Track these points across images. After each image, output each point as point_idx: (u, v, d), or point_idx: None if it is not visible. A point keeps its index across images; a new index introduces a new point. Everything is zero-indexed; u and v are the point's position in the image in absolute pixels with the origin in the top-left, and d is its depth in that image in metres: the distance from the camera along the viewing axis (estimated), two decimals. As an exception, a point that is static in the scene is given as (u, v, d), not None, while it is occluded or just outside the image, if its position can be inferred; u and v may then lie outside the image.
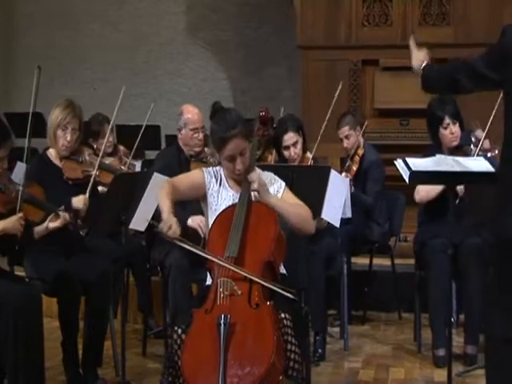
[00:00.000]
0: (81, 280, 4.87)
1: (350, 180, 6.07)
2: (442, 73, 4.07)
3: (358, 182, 6.22)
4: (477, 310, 5.47)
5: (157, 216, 4.24)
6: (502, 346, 3.63)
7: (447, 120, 5.58)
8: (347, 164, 6.28)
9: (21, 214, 4.30)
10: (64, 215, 4.63)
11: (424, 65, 4.14)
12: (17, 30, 10.49)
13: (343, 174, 6.07)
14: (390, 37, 8.38)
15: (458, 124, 5.63)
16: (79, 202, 4.86)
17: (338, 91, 6.11)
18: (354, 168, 6.26)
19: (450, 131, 5.62)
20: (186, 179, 4.14)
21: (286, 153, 5.86)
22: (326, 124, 6.02)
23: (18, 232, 4.31)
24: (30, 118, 4.57)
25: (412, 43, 4.30)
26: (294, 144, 5.82)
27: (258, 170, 4.06)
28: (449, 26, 8.29)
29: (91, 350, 4.99)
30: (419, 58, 4.20)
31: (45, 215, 4.59)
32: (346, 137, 6.42)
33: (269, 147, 6.34)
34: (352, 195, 5.90)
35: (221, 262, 3.73)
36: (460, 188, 5.23)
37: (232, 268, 3.70)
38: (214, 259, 3.76)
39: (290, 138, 5.82)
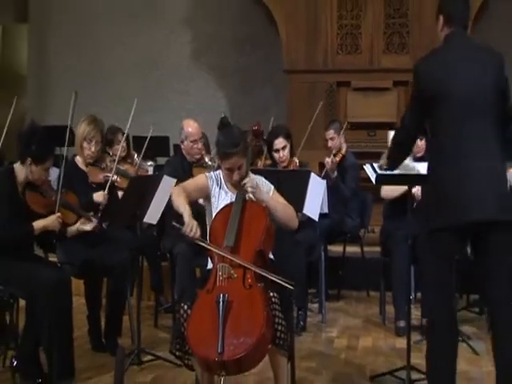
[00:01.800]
0: (103, 265, 4.89)
1: (334, 163, 6.14)
2: (391, 148, 3.95)
3: (339, 174, 6.24)
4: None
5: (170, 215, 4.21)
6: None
7: None
8: (331, 157, 6.26)
9: (59, 214, 4.35)
10: (93, 220, 4.66)
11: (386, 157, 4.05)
12: (50, 56, 10.48)
13: (328, 159, 6.14)
14: (360, 63, 8.43)
15: (424, 140, 5.65)
16: (99, 196, 4.87)
17: (317, 110, 6.08)
18: (337, 159, 6.28)
19: (417, 144, 5.64)
20: (193, 183, 4.10)
21: (275, 155, 5.86)
22: (307, 135, 6.02)
23: (56, 228, 4.37)
24: (67, 131, 4.62)
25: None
26: (283, 148, 5.82)
27: (251, 175, 4.06)
28: (408, 54, 8.33)
29: (112, 323, 5.01)
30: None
31: (77, 218, 4.63)
32: (331, 139, 6.45)
33: (259, 154, 6.36)
34: (334, 183, 6.01)
35: (234, 259, 3.69)
36: (417, 194, 5.23)
37: (236, 260, 3.69)
38: (226, 255, 3.70)
39: (279, 142, 5.82)
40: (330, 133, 6.48)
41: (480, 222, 3.49)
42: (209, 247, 3.77)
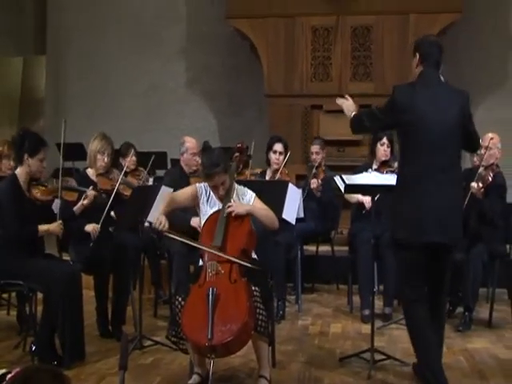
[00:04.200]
0: (109, 262, 4.88)
1: (320, 183, 6.14)
2: (357, 119, 4.06)
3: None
4: (391, 283, 5.51)
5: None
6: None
7: (384, 140, 5.68)
8: (313, 172, 6.30)
9: (60, 221, 4.35)
10: (91, 193, 4.70)
11: (352, 115, 4.07)
12: (64, 83, 10.44)
13: (313, 179, 6.14)
14: (330, 89, 8.45)
15: (390, 148, 5.71)
16: (89, 227, 4.81)
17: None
18: (321, 176, 6.27)
19: (384, 148, 5.71)
20: (183, 193, 4.10)
21: (273, 156, 5.96)
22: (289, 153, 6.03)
23: (59, 234, 4.41)
24: (61, 150, 4.65)
25: (340, 100, 4.20)
26: (280, 153, 5.92)
27: (236, 187, 4.06)
28: (371, 82, 8.38)
29: (117, 313, 4.99)
30: (350, 108, 4.13)
31: (78, 195, 4.67)
32: (316, 153, 6.43)
33: (246, 166, 6.37)
34: (321, 196, 6.11)
35: (196, 245, 3.81)
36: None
37: (207, 249, 3.76)
38: (194, 244, 3.84)
39: (278, 147, 5.96)
40: (316, 147, 6.45)
41: (439, 244, 3.70)
42: (178, 238, 3.83)
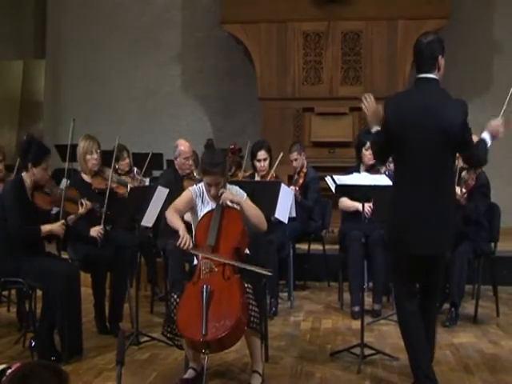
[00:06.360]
0: (107, 260, 4.87)
1: (298, 190, 6.08)
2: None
3: (303, 191, 6.22)
4: (381, 280, 5.53)
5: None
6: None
7: (368, 144, 5.61)
8: (295, 178, 6.27)
9: (63, 221, 4.36)
10: (86, 203, 4.70)
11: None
12: (63, 87, 10.40)
13: (292, 186, 6.02)
14: (322, 92, 8.48)
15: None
16: (94, 232, 4.83)
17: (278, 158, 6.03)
18: (301, 181, 6.24)
19: (370, 152, 5.66)
20: (181, 200, 4.06)
21: (257, 164, 5.89)
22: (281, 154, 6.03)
23: (61, 234, 4.40)
24: (68, 150, 4.62)
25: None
26: (264, 159, 5.86)
27: (228, 186, 4.05)
28: (361, 85, 8.37)
29: (114, 310, 4.99)
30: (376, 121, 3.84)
31: (79, 207, 4.68)
32: (295, 159, 6.34)
33: (239, 168, 6.35)
34: (300, 201, 5.95)
35: (215, 258, 3.72)
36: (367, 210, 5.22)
37: (216, 259, 3.71)
38: (212, 257, 3.73)
39: (262, 154, 5.87)
40: (294, 154, 6.34)
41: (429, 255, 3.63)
42: (201, 254, 3.77)
